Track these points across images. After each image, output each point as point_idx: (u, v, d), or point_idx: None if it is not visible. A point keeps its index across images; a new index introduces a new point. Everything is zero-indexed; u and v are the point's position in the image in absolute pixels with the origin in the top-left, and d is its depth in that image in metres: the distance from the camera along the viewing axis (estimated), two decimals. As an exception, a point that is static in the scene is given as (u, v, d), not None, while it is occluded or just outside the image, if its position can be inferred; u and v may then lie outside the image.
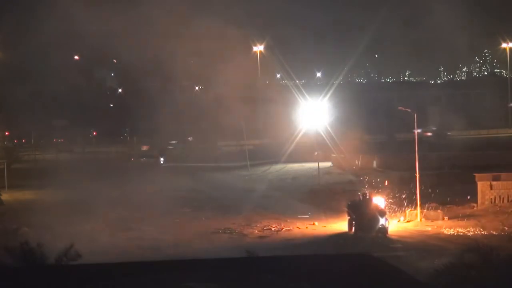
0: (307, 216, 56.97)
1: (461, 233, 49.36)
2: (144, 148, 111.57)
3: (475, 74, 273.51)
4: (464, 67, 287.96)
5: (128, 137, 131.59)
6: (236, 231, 51.26)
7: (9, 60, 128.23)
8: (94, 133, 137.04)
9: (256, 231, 51.38)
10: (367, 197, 52.04)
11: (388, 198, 56.52)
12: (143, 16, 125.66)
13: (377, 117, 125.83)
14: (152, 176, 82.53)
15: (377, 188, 65.75)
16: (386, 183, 65.08)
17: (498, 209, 56.82)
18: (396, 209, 55.72)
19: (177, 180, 79.52)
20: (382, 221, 50.09)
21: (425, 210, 55.51)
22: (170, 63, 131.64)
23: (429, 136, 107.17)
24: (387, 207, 53.28)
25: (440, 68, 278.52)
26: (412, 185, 57.58)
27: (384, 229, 49.79)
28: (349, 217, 51.53)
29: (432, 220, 54.07)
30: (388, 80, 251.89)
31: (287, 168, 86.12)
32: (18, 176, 79.45)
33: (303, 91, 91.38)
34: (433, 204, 57.19)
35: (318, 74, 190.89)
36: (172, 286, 20.45)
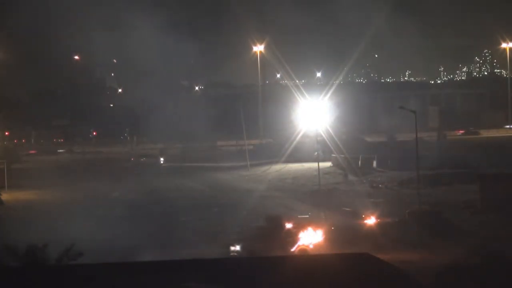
0: (307, 216, 56.87)
1: None
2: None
3: (475, 74, 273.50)
4: (464, 67, 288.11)
5: (128, 137, 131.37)
6: (236, 231, 51.17)
7: (9, 60, 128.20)
8: (94, 133, 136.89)
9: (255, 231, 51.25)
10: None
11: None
12: (142, 16, 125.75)
13: (377, 117, 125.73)
14: (152, 176, 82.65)
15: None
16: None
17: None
18: None
19: (174, 180, 79.54)
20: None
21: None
22: (170, 63, 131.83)
23: (431, 136, 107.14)
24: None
25: (440, 68, 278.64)
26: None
27: None
28: None
29: None
30: (388, 80, 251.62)
31: (287, 168, 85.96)
32: (18, 176, 79.30)
33: (303, 91, 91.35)
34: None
35: (318, 74, 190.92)
36: (172, 286, 20.45)
